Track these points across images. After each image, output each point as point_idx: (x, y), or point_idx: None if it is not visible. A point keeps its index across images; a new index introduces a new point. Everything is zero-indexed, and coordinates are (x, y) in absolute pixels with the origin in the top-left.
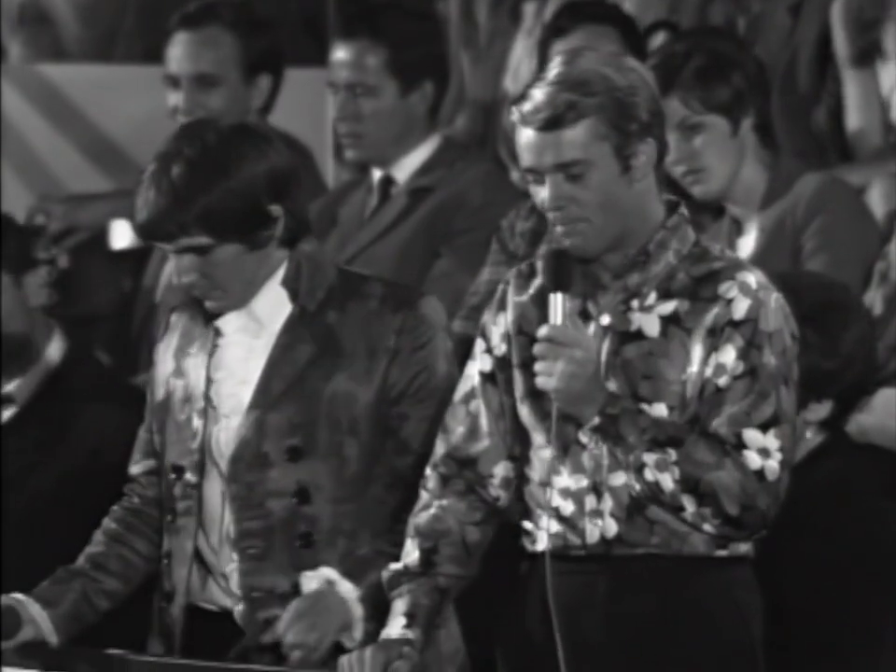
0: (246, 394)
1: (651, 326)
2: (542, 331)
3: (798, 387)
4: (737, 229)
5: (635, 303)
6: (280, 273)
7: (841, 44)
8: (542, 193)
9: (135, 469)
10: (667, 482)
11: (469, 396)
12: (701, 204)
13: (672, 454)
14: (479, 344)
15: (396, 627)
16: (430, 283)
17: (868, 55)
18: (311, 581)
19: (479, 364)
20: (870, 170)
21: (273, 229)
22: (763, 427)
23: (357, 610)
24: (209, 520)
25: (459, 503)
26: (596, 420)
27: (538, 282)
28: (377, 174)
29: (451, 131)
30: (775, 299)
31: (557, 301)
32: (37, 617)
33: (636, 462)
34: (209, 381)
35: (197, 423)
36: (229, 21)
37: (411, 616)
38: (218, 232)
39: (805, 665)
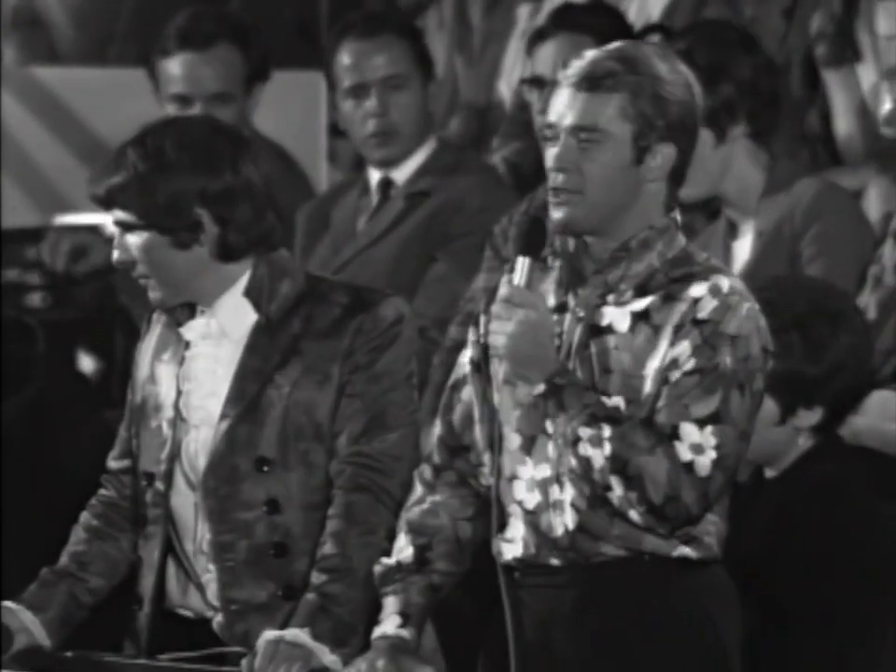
0: (214, 406)
1: (621, 321)
2: (501, 291)
3: (774, 396)
4: (732, 231)
5: (610, 298)
6: (242, 283)
7: (820, 50)
8: (551, 154)
9: (114, 464)
10: (598, 458)
11: (461, 383)
12: (696, 206)
13: (607, 430)
14: (472, 332)
15: (391, 625)
16: (426, 287)
17: (844, 60)
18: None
19: (470, 352)
20: (862, 173)
21: (197, 233)
22: (701, 423)
23: (323, 651)
24: (182, 528)
25: (452, 498)
26: (542, 387)
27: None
28: (375, 175)
29: (444, 133)
30: (747, 307)
31: (521, 265)
32: (30, 625)
33: (572, 435)
34: (178, 392)
35: (166, 432)
36: (229, 36)
37: (405, 615)
38: (139, 215)
39: (801, 665)
